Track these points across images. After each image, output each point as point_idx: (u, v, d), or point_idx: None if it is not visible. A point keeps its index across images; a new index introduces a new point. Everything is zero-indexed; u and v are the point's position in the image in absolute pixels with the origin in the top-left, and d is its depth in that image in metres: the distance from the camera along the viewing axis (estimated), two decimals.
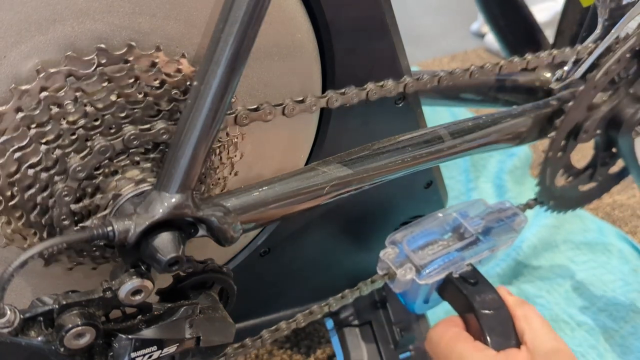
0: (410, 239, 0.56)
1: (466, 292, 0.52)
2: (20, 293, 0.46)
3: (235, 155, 0.49)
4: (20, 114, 0.37)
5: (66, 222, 0.41)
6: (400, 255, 0.55)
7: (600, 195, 0.77)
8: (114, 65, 0.39)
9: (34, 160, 0.39)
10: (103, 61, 0.39)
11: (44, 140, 0.39)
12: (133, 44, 0.40)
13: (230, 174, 0.50)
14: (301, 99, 0.47)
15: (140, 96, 0.41)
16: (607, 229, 1.09)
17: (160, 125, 0.42)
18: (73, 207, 0.41)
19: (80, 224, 0.42)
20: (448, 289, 0.55)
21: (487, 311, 0.50)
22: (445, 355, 0.48)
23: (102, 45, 0.39)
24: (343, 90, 0.49)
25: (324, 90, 0.52)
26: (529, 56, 0.57)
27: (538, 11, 0.78)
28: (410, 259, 0.54)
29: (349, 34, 0.49)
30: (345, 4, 0.47)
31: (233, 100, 0.45)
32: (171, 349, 0.41)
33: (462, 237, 0.57)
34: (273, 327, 0.54)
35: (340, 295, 0.55)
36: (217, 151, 0.47)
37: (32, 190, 0.40)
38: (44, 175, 0.39)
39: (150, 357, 0.40)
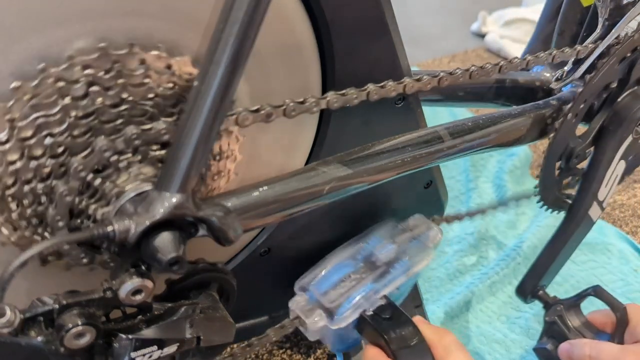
0: (319, 280, 0.53)
1: (381, 330, 0.49)
2: None
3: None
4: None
5: (66, 215, 0.41)
6: (311, 300, 0.52)
7: None
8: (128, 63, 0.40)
9: (39, 152, 0.39)
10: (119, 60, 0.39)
11: (49, 132, 0.38)
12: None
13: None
14: (302, 100, 0.47)
15: (151, 96, 0.41)
16: (607, 229, 1.09)
17: (163, 125, 0.42)
18: (75, 200, 0.41)
19: (80, 219, 0.42)
20: (363, 327, 0.52)
21: (404, 347, 0.48)
22: None
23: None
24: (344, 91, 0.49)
25: (323, 90, 0.52)
26: (528, 57, 0.57)
27: (538, 11, 0.78)
28: (321, 304, 0.51)
29: (348, 34, 0.49)
30: (345, 4, 0.47)
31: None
32: (171, 349, 0.41)
33: (374, 266, 0.54)
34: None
35: (246, 343, 0.51)
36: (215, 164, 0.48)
37: (35, 179, 0.39)
38: (49, 161, 0.39)
39: (150, 357, 0.40)
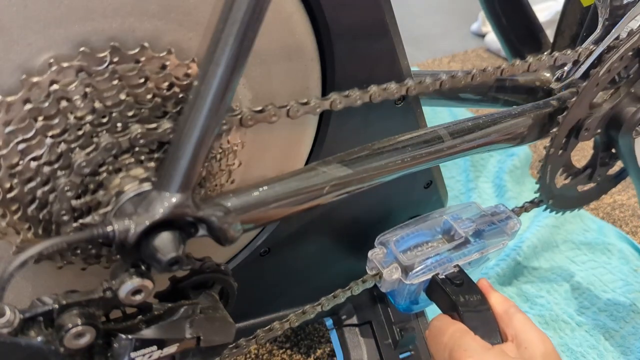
0: (399, 239, 0.56)
1: (450, 293, 0.53)
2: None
3: (234, 163, 0.49)
4: (28, 105, 0.37)
5: (65, 218, 0.41)
6: (388, 255, 0.56)
7: (598, 197, 0.77)
8: (125, 65, 0.40)
9: (38, 153, 0.39)
10: (115, 59, 0.39)
11: (50, 134, 0.39)
12: (146, 45, 0.40)
13: (227, 181, 0.50)
14: (305, 100, 0.47)
15: (149, 96, 0.41)
16: (607, 229, 1.09)
17: (166, 125, 0.42)
18: (74, 202, 0.41)
19: (80, 220, 0.42)
20: (434, 289, 0.55)
21: (470, 311, 0.51)
22: (446, 345, 0.48)
23: (116, 44, 0.39)
24: (346, 93, 0.49)
25: (324, 91, 0.52)
26: (530, 59, 0.57)
27: (538, 11, 0.78)
28: (398, 260, 0.55)
29: (349, 34, 0.49)
30: (345, 4, 0.47)
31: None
32: (171, 349, 0.41)
33: (452, 239, 0.58)
34: (267, 327, 0.54)
35: (332, 295, 0.56)
36: (218, 157, 0.47)
37: (33, 184, 0.39)
38: (46, 169, 0.39)
39: (150, 357, 0.40)
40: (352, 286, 0.56)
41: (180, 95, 0.42)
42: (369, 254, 0.56)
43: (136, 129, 0.41)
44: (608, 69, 0.60)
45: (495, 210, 0.61)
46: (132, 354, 0.39)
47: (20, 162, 0.38)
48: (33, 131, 0.38)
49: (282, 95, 0.49)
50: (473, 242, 0.57)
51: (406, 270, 0.54)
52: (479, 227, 0.58)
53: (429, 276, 0.54)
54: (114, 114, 0.40)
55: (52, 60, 0.37)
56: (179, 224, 0.40)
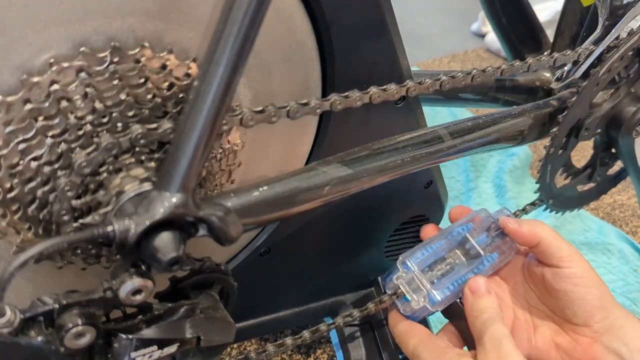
0: (420, 260, 0.56)
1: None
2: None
3: (234, 163, 0.49)
4: (29, 105, 0.37)
5: (66, 218, 0.41)
6: (413, 280, 0.56)
7: (598, 197, 0.77)
8: (126, 65, 0.40)
9: (38, 153, 0.39)
10: (116, 59, 0.39)
11: (50, 134, 0.39)
12: (146, 45, 0.40)
13: (227, 181, 0.50)
14: (305, 101, 0.47)
15: (149, 97, 0.41)
16: (607, 229, 1.09)
17: (166, 125, 0.42)
18: (74, 202, 0.41)
19: (80, 220, 0.42)
20: (453, 314, 0.56)
21: None
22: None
23: (116, 44, 0.39)
24: (346, 94, 0.49)
25: (324, 91, 0.52)
26: (530, 59, 0.57)
27: (538, 11, 0.78)
28: (422, 284, 0.54)
29: (349, 34, 0.49)
30: (345, 4, 0.47)
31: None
32: (171, 349, 0.41)
33: (467, 253, 0.57)
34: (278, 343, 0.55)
35: (347, 313, 0.58)
36: (218, 157, 0.47)
37: (33, 184, 0.40)
38: (46, 169, 0.39)
39: (150, 357, 0.40)
40: (369, 306, 0.57)
41: (181, 95, 0.42)
42: (394, 278, 0.55)
43: (136, 129, 0.41)
44: (608, 69, 0.60)
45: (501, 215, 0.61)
46: (133, 354, 0.39)
47: (21, 162, 0.38)
48: (33, 131, 0.38)
49: (282, 95, 0.49)
50: (488, 257, 0.57)
51: (431, 296, 0.54)
52: (492, 240, 0.58)
53: (452, 301, 0.55)
54: (114, 114, 0.40)
55: (52, 60, 0.37)
56: (179, 223, 0.40)
